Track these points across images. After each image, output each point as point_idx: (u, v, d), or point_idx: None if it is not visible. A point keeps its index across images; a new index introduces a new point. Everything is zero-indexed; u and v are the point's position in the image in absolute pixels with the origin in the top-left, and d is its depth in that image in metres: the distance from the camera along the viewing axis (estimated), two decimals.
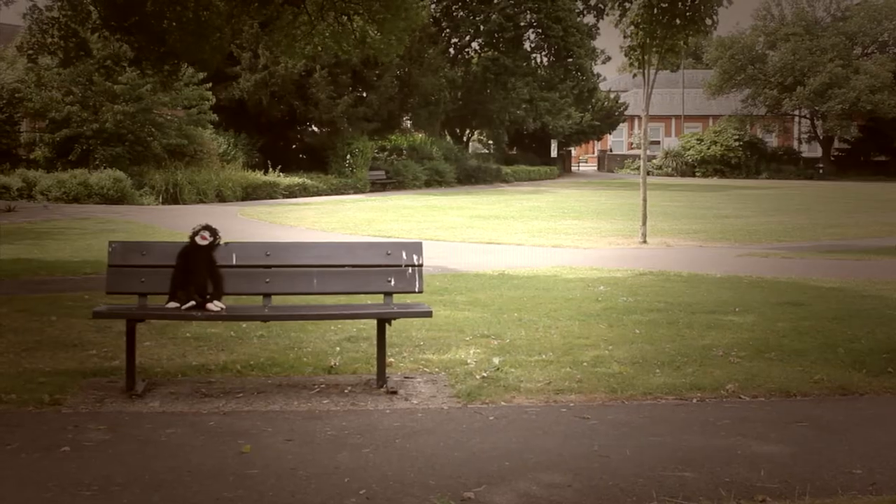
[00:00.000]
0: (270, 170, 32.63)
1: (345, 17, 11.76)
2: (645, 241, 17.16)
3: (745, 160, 56.42)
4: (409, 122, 44.98)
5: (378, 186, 36.95)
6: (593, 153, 73.00)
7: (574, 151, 64.78)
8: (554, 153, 54.88)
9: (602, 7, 43.65)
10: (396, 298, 6.30)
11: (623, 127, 66.37)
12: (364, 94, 36.34)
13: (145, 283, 6.06)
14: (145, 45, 11.50)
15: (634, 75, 17.48)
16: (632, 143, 69.87)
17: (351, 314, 6.73)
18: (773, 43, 57.15)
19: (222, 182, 29.45)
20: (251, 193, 30.37)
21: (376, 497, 4.19)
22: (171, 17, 11.77)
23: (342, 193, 34.09)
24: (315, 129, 38.29)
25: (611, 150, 68.61)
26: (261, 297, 6.25)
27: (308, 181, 33.25)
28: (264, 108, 34.15)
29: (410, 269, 6.22)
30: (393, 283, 6.20)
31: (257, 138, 35.17)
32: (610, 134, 63.89)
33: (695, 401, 6.00)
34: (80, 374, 6.50)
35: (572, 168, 62.32)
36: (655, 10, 16.04)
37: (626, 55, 16.94)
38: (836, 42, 54.28)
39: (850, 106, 52.51)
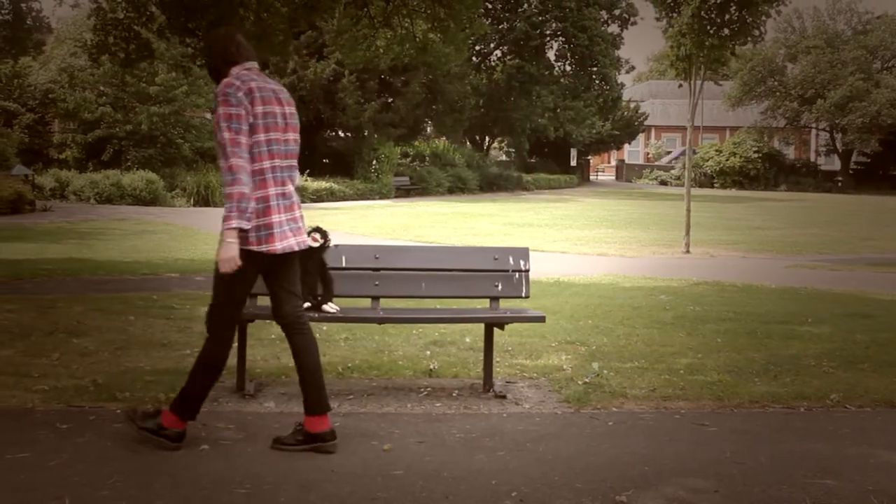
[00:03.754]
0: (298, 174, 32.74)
1: (407, 22, 11.82)
2: (688, 251, 17.18)
3: (763, 172, 56.39)
4: (429, 128, 45.06)
5: (402, 192, 37.05)
6: (609, 162, 73.05)
7: (592, 161, 64.77)
8: (573, 162, 54.89)
9: (627, 17, 43.71)
10: (503, 303, 6.33)
11: (639, 137, 66.32)
12: (391, 101, 36.44)
13: (256, 283, 6.06)
14: None
15: (680, 85, 17.53)
16: (648, 154, 69.90)
17: (463, 318, 6.75)
18: (793, 56, 57.20)
19: None
20: None
21: (529, 499, 4.21)
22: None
23: (368, 199, 34.19)
24: (341, 134, 38.42)
25: (625, 160, 68.58)
26: (369, 299, 6.28)
27: (335, 186, 33.38)
28: None
29: (517, 275, 6.25)
30: (500, 287, 6.23)
31: None
32: (629, 144, 63.89)
33: (802, 410, 6.01)
34: (183, 373, 6.48)
35: (590, 177, 62.32)
36: (704, 21, 16.08)
37: (672, 65, 16.98)
38: (857, 55, 54.29)
39: (870, 119, 52.48)
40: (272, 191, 4.66)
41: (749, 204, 38.56)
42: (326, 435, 4.77)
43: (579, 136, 49.76)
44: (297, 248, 4.80)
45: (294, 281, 4.94)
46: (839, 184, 56.90)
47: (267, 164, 4.65)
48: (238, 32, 5.08)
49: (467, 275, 6.30)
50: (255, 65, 4.82)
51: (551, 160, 54.36)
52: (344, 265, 6.16)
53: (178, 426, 4.78)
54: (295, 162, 4.89)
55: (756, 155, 56.51)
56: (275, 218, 4.66)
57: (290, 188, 4.81)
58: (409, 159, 40.26)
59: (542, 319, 6.18)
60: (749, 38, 16.51)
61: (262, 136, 4.62)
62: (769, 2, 15.90)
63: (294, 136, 4.86)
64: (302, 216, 4.94)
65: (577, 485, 4.41)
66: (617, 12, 45.50)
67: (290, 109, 4.83)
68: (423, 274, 6.25)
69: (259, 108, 4.61)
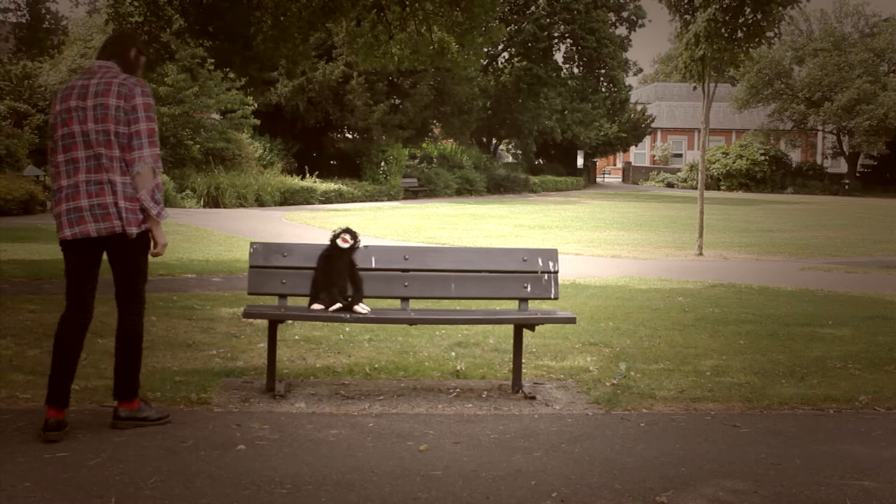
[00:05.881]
0: (307, 175, 32.77)
1: (424, 27, 11.82)
2: (701, 254, 17.17)
3: (770, 174, 56.32)
4: (437, 129, 45.07)
5: (410, 194, 37.07)
6: (615, 165, 73.06)
7: (597, 163, 64.79)
8: (580, 164, 54.88)
9: (635, 19, 43.69)
10: (531, 305, 6.34)
11: (646, 139, 66.26)
12: (399, 102, 36.45)
13: (286, 284, 6.09)
14: (229, 50, 11.59)
15: (694, 88, 17.53)
16: (654, 156, 69.84)
17: (495, 319, 6.75)
18: (800, 58, 57.09)
19: (261, 186, 29.58)
20: (288, 198, 30.49)
21: (570, 500, 4.22)
22: (253, 23, 11.87)
23: (376, 200, 34.19)
24: (349, 135, 38.45)
25: (632, 163, 68.58)
26: (398, 300, 6.30)
27: (343, 187, 33.38)
28: (300, 114, 34.28)
29: (546, 276, 6.26)
30: (529, 289, 6.25)
31: (292, 144, 35.32)
32: (635, 146, 63.85)
33: (832, 412, 6.01)
34: (211, 373, 6.54)
35: (596, 179, 62.33)
36: (718, 23, 16.05)
37: (685, 67, 16.97)
38: (865, 58, 54.18)
39: (877, 122, 52.40)
40: (64, 182, 4.91)
41: (757, 206, 38.53)
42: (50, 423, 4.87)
43: (586, 139, 49.77)
44: (94, 235, 4.87)
45: (121, 267, 5.07)
46: (846, 186, 56.76)
47: (61, 157, 4.93)
48: (127, 35, 5.36)
49: (497, 276, 6.31)
50: (94, 63, 5.05)
51: (558, 162, 54.37)
52: (373, 266, 6.17)
53: (48, 415, 4.88)
54: (103, 150, 4.85)
55: (763, 157, 56.43)
56: (63, 207, 4.90)
57: (94, 176, 4.85)
58: (416, 161, 40.27)
59: (572, 321, 6.19)
60: (763, 40, 16.50)
61: (58, 133, 4.94)
62: (784, 4, 15.91)
63: (97, 127, 4.84)
64: (119, 202, 4.88)
65: (616, 485, 4.42)
66: (625, 14, 45.55)
67: (100, 101, 4.86)
68: (452, 275, 6.25)
69: (58, 107, 4.95)
